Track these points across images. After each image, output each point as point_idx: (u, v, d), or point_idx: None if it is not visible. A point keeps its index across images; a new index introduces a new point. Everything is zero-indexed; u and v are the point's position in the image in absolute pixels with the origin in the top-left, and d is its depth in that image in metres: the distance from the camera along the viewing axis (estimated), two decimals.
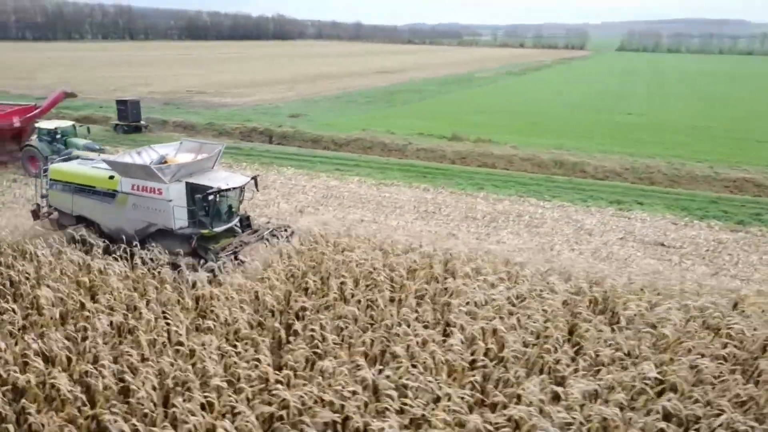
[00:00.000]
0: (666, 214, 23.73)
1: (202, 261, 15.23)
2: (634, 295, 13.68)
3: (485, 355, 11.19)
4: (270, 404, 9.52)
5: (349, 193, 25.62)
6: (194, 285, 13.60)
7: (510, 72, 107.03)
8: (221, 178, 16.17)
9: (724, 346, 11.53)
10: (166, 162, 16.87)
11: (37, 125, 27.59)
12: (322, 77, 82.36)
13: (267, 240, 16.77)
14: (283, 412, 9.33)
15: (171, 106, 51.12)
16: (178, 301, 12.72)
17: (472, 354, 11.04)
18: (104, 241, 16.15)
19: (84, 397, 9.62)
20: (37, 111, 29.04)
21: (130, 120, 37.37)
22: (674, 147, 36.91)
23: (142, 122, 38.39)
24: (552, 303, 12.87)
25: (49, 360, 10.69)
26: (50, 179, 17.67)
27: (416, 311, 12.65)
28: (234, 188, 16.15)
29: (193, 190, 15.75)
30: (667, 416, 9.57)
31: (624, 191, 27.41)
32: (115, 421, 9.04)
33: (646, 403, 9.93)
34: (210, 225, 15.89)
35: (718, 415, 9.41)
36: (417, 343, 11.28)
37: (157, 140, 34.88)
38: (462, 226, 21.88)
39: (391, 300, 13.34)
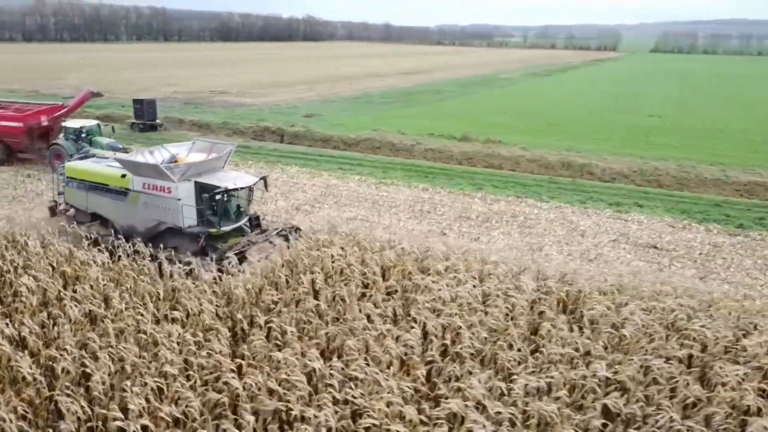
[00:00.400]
0: (665, 216, 23.40)
1: (209, 259, 15.34)
2: (603, 295, 13.62)
3: (442, 350, 11.35)
4: (220, 392, 9.85)
5: (348, 191, 25.92)
6: (171, 275, 14.01)
7: (535, 73, 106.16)
8: (230, 178, 16.31)
9: (683, 347, 11.43)
10: (176, 161, 17.18)
11: (63, 124, 28.34)
12: (344, 78, 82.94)
13: (274, 240, 16.81)
14: (228, 399, 9.63)
15: (190, 106, 52.22)
16: (150, 293, 13.12)
17: (425, 350, 11.19)
18: (119, 238, 16.21)
19: (44, 380, 10.08)
20: (64, 110, 29.92)
21: (145, 118, 38.36)
22: (692, 150, 36.29)
23: (158, 121, 39.35)
24: (516, 302, 12.91)
25: (18, 344, 11.21)
26: (66, 177, 18.14)
27: (381, 307, 12.83)
28: (242, 188, 16.30)
29: (201, 189, 15.93)
30: (608, 415, 9.59)
31: (627, 193, 27.09)
32: (72, 403, 9.46)
33: (593, 401, 9.94)
34: (218, 224, 16.08)
35: (660, 415, 9.37)
36: (374, 337, 11.48)
37: (171, 138, 35.84)
38: (454, 225, 21.97)
39: (363, 295, 13.57)
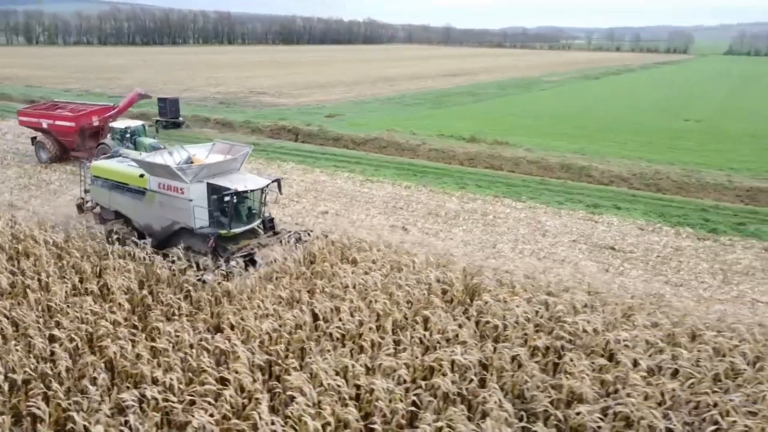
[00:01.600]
0: (639, 219, 23.08)
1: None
2: (502, 288, 13.97)
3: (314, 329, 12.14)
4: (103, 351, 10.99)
5: (332, 187, 26.85)
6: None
7: (586, 76, 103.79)
8: (241, 180, 16.31)
9: (557, 338, 11.71)
10: (192, 162, 17.32)
11: (110, 124, 29.19)
12: (386, 80, 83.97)
13: (286, 242, 16.79)
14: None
15: (224, 105, 54.57)
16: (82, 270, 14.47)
17: (297, 329, 11.98)
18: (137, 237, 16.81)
19: None
20: (114, 111, 31.18)
21: (168, 116, 40.64)
22: (713, 154, 35.24)
23: (180, 118, 41.57)
24: (409, 290, 13.48)
25: None
26: (92, 176, 18.67)
27: (285, 290, 13.71)
28: (252, 190, 16.39)
29: (213, 190, 16.08)
30: (442, 393, 10.09)
31: (614, 196, 26.80)
32: None
33: (427, 381, 10.47)
34: (228, 226, 16.10)
35: (490, 396, 9.81)
36: (259, 315, 12.37)
37: (192, 136, 37.96)
38: (420, 222, 22.52)
39: (269, 279, 14.49)
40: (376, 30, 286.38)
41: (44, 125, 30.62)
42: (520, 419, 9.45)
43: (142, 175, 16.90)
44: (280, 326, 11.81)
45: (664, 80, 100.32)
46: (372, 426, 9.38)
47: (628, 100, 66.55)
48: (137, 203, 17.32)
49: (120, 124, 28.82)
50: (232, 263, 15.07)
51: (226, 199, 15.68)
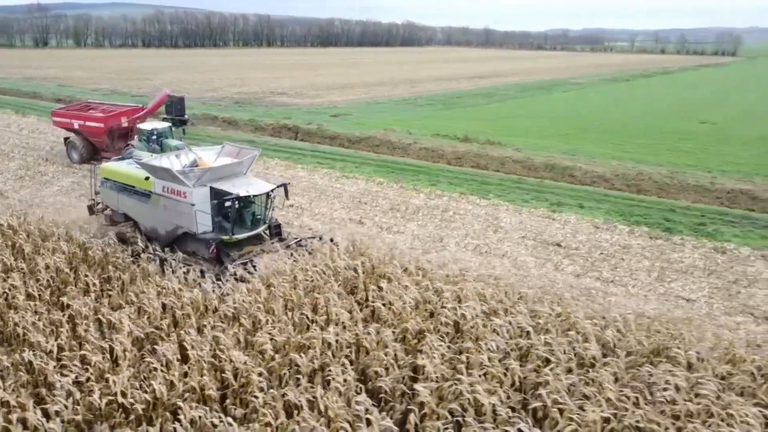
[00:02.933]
0: (597, 218, 23.10)
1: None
2: (407, 276, 14.49)
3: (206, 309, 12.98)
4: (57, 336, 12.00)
5: (307, 183, 27.70)
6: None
7: (616, 78, 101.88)
8: (245, 184, 15.91)
9: (442, 324, 12.21)
10: (197, 165, 16.95)
11: (137, 126, 29.12)
12: (410, 81, 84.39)
13: (292, 249, 16.30)
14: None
15: (237, 104, 56.19)
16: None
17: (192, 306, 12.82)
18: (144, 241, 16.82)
19: None
20: (143, 112, 31.45)
21: (174, 114, 42.04)
22: (712, 156, 34.69)
23: (186, 117, 43.08)
24: (312, 275, 14.16)
25: None
26: (102, 178, 18.59)
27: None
28: (255, 195, 16.00)
29: (216, 195, 15.65)
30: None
31: (585, 195, 26.82)
32: None
33: (285, 355, 11.15)
34: (230, 231, 15.68)
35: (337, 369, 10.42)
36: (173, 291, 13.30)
37: (194, 134, 39.42)
38: (378, 216, 23.13)
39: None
40: (414, 32, 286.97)
41: (76, 126, 31.07)
42: (360, 391, 10.00)
43: (147, 178, 16.63)
44: (175, 304, 12.66)
45: (697, 82, 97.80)
46: (224, 392, 10.15)
47: (647, 102, 65.41)
48: (143, 206, 17.09)
49: (147, 125, 28.65)
50: (231, 271, 14.62)
51: (227, 203, 15.31)
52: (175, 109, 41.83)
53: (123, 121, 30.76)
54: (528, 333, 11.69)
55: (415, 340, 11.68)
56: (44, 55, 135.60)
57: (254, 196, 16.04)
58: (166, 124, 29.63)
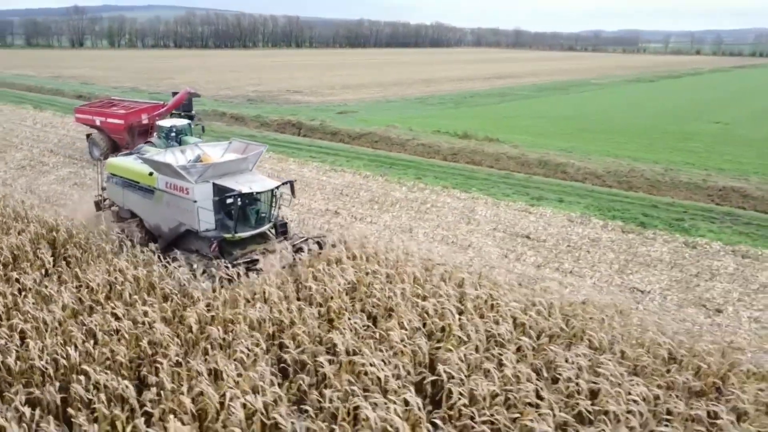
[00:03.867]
0: (574, 212, 22.97)
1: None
2: (349, 260, 14.78)
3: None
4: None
5: (296, 175, 27.96)
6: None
7: (639, 80, 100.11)
8: (249, 181, 15.41)
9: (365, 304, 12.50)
10: (201, 161, 16.57)
11: (157, 123, 28.97)
12: (427, 81, 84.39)
13: (296, 249, 15.84)
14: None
15: (249, 102, 57.15)
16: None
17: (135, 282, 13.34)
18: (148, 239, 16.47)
19: None
20: (163, 109, 31.25)
21: (180, 110, 43.08)
22: (713, 155, 34.07)
23: (193, 112, 44.06)
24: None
25: None
26: (108, 173, 18.15)
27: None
28: (258, 192, 15.51)
29: (219, 191, 15.13)
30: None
31: (570, 190, 26.65)
32: None
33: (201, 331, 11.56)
34: (233, 229, 15.16)
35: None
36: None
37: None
38: (356, 207, 23.47)
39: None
40: (443, 33, 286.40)
41: (97, 122, 31.24)
42: (270, 363, 10.35)
43: (151, 174, 16.15)
44: (114, 280, 13.19)
45: (723, 83, 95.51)
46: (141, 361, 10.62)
47: (663, 102, 64.38)
48: (147, 202, 16.69)
49: (166, 122, 28.44)
50: (232, 270, 14.05)
51: (229, 200, 14.86)
52: (182, 105, 43.02)
53: (143, 118, 30.71)
54: (451, 313, 11.85)
55: (338, 319, 11.95)
56: (77, 56, 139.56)
57: (258, 193, 15.49)
58: (185, 121, 29.29)
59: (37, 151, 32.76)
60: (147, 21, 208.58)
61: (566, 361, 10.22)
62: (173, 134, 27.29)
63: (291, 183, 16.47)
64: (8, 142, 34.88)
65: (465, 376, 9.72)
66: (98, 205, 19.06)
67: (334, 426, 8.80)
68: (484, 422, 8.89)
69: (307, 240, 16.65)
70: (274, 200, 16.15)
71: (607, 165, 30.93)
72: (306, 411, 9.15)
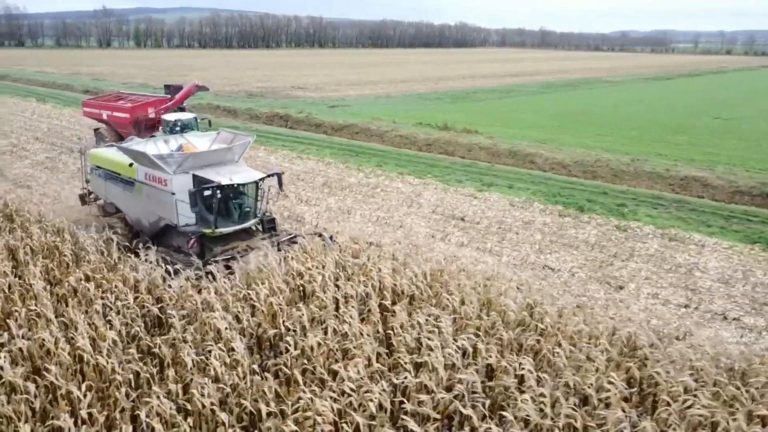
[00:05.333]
0: (520, 197, 23.14)
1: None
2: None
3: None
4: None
5: (261, 162, 28.67)
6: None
7: (657, 78, 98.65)
8: (231, 173, 14.22)
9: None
10: (183, 150, 15.62)
11: (162, 117, 28.32)
12: (436, 79, 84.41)
13: (280, 246, 14.56)
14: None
15: (249, 97, 58.21)
16: None
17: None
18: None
19: None
20: (170, 102, 30.79)
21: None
22: (695, 148, 33.80)
23: (183, 105, 45.13)
24: None
25: None
26: (91, 165, 17.09)
27: None
28: (240, 184, 14.38)
29: (200, 183, 13.97)
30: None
31: (528, 178, 26.80)
32: None
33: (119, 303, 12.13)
34: (214, 224, 13.94)
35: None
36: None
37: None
38: (307, 191, 24.06)
39: None
40: (468, 34, 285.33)
41: (104, 116, 30.83)
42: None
43: (131, 164, 15.05)
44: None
45: (742, 82, 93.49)
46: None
47: (673, 98, 63.73)
48: (127, 195, 15.61)
49: (171, 116, 27.73)
50: (211, 267, 12.89)
51: (206, 193, 13.71)
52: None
53: (150, 112, 30.24)
54: (322, 277, 12.29)
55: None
56: (101, 55, 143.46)
57: (239, 185, 14.29)
58: (191, 115, 28.68)
59: (24, 138, 34.14)
60: (174, 22, 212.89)
61: (409, 316, 10.59)
62: (178, 129, 26.24)
63: (279, 175, 15.33)
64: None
65: (303, 332, 10.19)
66: (83, 199, 18.03)
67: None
68: (304, 371, 9.33)
69: (296, 237, 15.33)
70: (260, 193, 14.96)
71: (575, 156, 30.89)
72: None
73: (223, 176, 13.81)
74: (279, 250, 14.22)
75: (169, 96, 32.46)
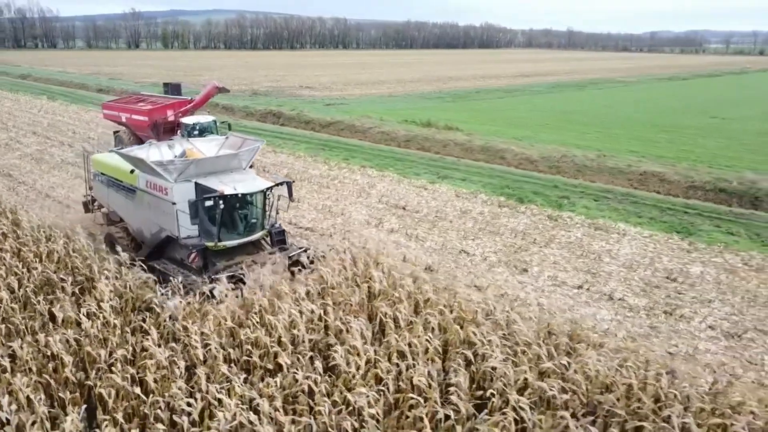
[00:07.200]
0: (469, 189, 23.95)
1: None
2: None
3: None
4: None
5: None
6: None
7: (672, 78, 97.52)
8: (236, 181, 13.33)
9: None
10: (186, 156, 14.75)
11: (181, 120, 27.39)
12: (446, 79, 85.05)
13: (288, 261, 13.70)
14: None
15: (252, 95, 59.84)
16: None
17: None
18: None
19: None
20: (190, 105, 29.78)
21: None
22: (676, 145, 34.24)
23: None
24: None
25: None
26: (95, 171, 16.34)
27: None
28: (245, 194, 13.32)
29: (203, 192, 13.00)
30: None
31: (484, 172, 27.59)
32: None
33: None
34: (217, 237, 13.07)
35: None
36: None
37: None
38: None
39: None
40: (493, 35, 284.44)
41: (123, 119, 29.95)
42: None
43: (132, 171, 14.30)
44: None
45: (763, 82, 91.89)
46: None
47: (677, 98, 63.49)
48: (129, 203, 14.82)
49: (190, 119, 26.80)
50: (213, 284, 12.11)
51: (208, 203, 12.69)
52: (172, 95, 45.85)
53: (169, 115, 28.95)
54: None
55: None
56: (127, 56, 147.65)
57: (243, 194, 13.23)
58: (211, 118, 27.74)
59: (22, 132, 36.11)
60: (201, 24, 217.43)
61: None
62: (196, 132, 25.41)
63: (288, 184, 14.35)
64: (2, 124, 38.51)
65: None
66: (87, 207, 17.52)
67: None
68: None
69: (306, 250, 14.61)
70: (267, 203, 13.97)
71: (545, 152, 31.45)
72: None
73: (226, 185, 12.86)
74: (292, 265, 13.42)
75: (189, 99, 31.48)
